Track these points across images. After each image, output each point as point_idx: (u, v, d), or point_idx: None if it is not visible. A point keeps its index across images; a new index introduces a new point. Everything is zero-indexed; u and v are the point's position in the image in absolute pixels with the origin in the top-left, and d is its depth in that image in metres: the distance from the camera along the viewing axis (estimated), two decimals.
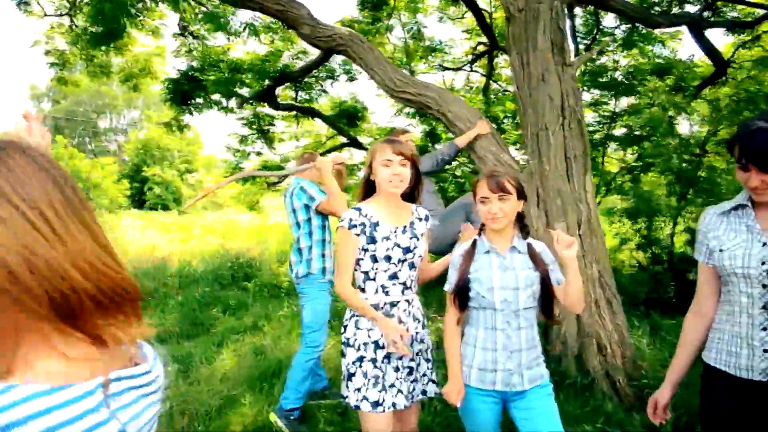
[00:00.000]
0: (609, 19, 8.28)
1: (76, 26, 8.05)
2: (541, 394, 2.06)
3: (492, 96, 8.89)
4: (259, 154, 9.27)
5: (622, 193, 6.24)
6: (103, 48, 7.30)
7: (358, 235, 2.24)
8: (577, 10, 7.69)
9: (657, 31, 7.30)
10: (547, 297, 2.07)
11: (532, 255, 2.10)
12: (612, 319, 3.72)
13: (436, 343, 4.72)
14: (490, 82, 9.14)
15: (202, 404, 3.70)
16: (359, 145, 8.63)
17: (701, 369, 1.91)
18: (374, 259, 2.24)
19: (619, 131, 7.72)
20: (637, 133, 6.77)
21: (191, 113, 8.54)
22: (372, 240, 2.24)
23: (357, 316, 2.28)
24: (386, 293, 2.27)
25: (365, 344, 2.24)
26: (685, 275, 4.98)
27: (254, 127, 8.80)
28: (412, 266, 2.31)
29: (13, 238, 0.62)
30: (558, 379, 3.50)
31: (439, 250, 4.22)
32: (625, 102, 8.01)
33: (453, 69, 9.58)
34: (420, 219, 2.40)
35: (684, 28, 6.64)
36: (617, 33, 7.42)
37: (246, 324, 5.71)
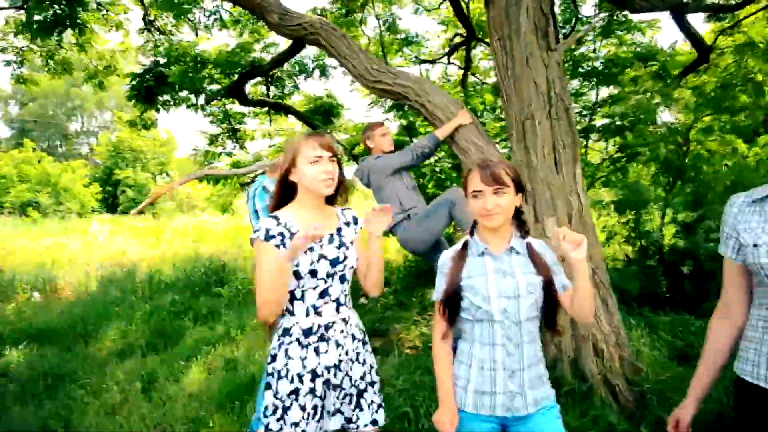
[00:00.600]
0: (587, 9, 8.11)
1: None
2: (548, 418, 1.79)
3: (470, 88, 8.64)
4: (230, 154, 8.88)
5: (608, 185, 6.04)
6: (55, 41, 6.84)
7: (277, 246, 1.91)
8: None
9: (636, 19, 7.12)
10: (550, 305, 1.79)
11: (533, 257, 1.82)
12: (608, 320, 3.48)
13: (424, 351, 4.48)
14: (468, 74, 8.90)
15: (166, 430, 3.36)
16: (335, 142, 8.32)
17: (727, 381, 1.66)
18: (298, 276, 1.93)
19: (599, 122, 7.54)
20: (618, 123, 6.58)
21: (158, 111, 8.14)
22: None
23: (287, 343, 1.95)
24: (318, 314, 1.97)
25: (300, 375, 1.92)
26: (678, 268, 4.77)
27: (224, 125, 8.42)
28: (343, 280, 2.03)
29: None
30: (554, 386, 3.25)
31: (421, 251, 3.94)
32: (605, 92, 7.84)
33: (429, 62, 9.31)
34: (348, 224, 2.12)
35: (662, 17, 6.47)
36: (596, 22, 7.20)
37: (218, 334, 5.37)
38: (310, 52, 8.49)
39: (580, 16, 7.91)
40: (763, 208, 1.57)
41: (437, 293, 1.87)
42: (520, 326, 1.76)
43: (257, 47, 7.53)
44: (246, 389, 3.90)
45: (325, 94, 8.60)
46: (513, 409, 1.75)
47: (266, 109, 8.32)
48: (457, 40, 8.86)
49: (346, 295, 2.05)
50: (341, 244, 2.03)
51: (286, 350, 1.95)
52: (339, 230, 2.07)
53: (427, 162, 7.14)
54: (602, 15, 7.17)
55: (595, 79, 7.01)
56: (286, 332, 1.97)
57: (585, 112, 7.22)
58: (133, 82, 7.47)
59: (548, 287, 1.77)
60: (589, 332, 3.43)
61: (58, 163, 32.28)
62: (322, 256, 1.96)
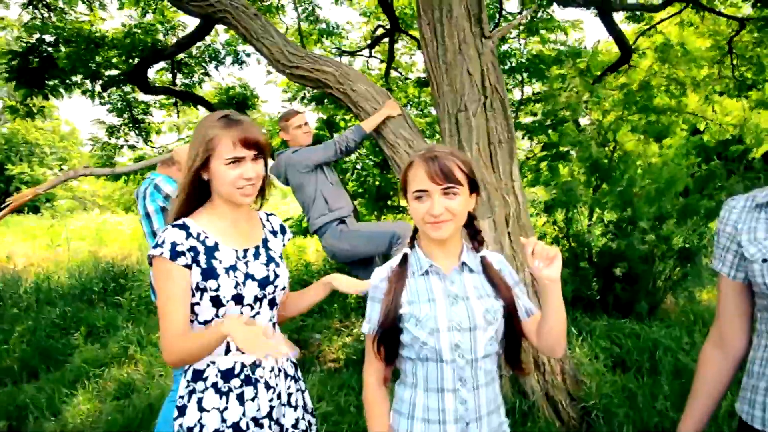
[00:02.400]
0: (511, 6, 8.01)
1: None
2: None
3: (393, 83, 8.31)
4: (132, 147, 8.04)
5: (535, 185, 5.89)
6: None
7: (188, 266, 1.46)
8: None
9: (560, 18, 7.09)
10: (513, 336, 1.43)
11: (491, 275, 1.45)
12: None
13: (348, 365, 4.04)
14: (391, 67, 8.57)
15: None
16: (261, 132, 7.71)
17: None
18: (217, 303, 1.48)
19: (523, 120, 7.44)
20: (544, 121, 6.48)
21: (46, 97, 7.19)
22: (210, 273, 1.48)
23: (199, 391, 1.50)
24: (242, 351, 1.48)
25: None
26: (610, 270, 4.64)
27: (125, 115, 7.58)
28: (273, 304, 1.61)
29: None
30: None
31: (351, 261, 3.53)
32: (528, 90, 7.76)
33: (350, 53, 8.90)
34: (274, 233, 1.71)
35: (585, 18, 6.45)
36: (528, 12, 7.08)
37: (112, 352, 4.69)
38: (222, 37, 7.86)
39: (504, 12, 7.80)
40: None
41: (369, 325, 1.45)
42: (475, 366, 1.38)
43: (162, 29, 6.79)
44: (141, 421, 3.33)
45: (238, 84, 7.97)
46: None
47: (173, 99, 7.57)
48: (380, 32, 8.51)
49: (274, 324, 1.64)
50: (269, 260, 1.61)
51: (199, 400, 1.49)
52: (265, 242, 1.65)
53: (347, 158, 6.73)
54: (530, 10, 7.06)
55: (520, 76, 6.89)
56: (198, 376, 1.51)
57: (510, 110, 7.09)
58: (12, 63, 6.50)
59: (510, 314, 1.40)
60: (529, 345, 3.15)
61: None
62: (248, 277, 1.53)
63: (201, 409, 1.49)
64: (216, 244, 1.53)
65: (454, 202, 1.35)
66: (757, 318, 1.34)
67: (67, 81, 7.03)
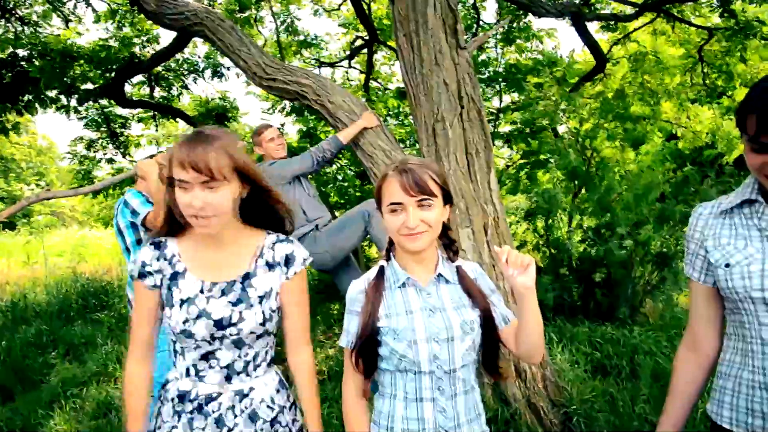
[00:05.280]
0: (488, 16, 8.10)
1: None
2: None
3: (373, 94, 8.35)
4: (111, 161, 7.96)
5: (515, 193, 5.95)
6: None
7: (154, 288, 1.44)
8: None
9: (535, 27, 7.19)
10: (490, 344, 1.44)
11: (467, 285, 1.45)
12: None
13: (331, 378, 4.00)
14: (370, 78, 8.61)
15: None
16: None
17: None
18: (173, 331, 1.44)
19: (502, 128, 7.52)
20: (522, 129, 6.55)
21: (20, 113, 7.10)
22: (167, 301, 1.44)
23: (161, 399, 1.52)
24: (200, 378, 1.46)
25: None
26: (590, 276, 4.69)
27: (102, 129, 7.52)
28: (240, 345, 1.45)
29: None
30: None
31: (329, 268, 3.52)
32: (507, 99, 7.85)
33: (330, 65, 8.94)
34: (271, 265, 1.50)
35: (559, 27, 6.57)
36: (503, 23, 7.18)
37: (91, 370, 4.60)
38: (201, 49, 7.84)
39: (481, 22, 7.90)
40: (733, 220, 1.31)
41: (347, 338, 1.45)
42: (453, 375, 1.38)
43: (139, 41, 6.76)
44: None
45: (217, 96, 7.95)
46: None
47: (152, 112, 7.52)
48: (359, 42, 8.57)
49: (247, 362, 1.47)
50: (239, 301, 1.43)
51: (159, 409, 1.51)
52: (247, 277, 1.47)
53: (328, 169, 6.73)
54: (506, 20, 7.16)
55: (498, 86, 6.97)
56: (165, 385, 1.52)
57: (489, 119, 7.16)
58: None
59: (487, 323, 1.41)
60: (508, 352, 3.17)
61: None
62: (202, 315, 1.41)
63: (160, 418, 1.49)
64: (184, 270, 1.45)
65: (430, 213, 1.36)
66: (726, 321, 1.37)
67: (42, 96, 6.96)
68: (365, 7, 7.40)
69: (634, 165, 6.05)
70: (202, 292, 1.43)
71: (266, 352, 1.52)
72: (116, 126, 7.65)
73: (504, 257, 1.28)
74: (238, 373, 1.46)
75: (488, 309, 1.43)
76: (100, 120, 7.33)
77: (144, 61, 6.19)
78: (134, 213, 2.68)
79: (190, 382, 1.46)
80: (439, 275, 1.44)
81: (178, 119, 7.85)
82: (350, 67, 9.00)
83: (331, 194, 6.52)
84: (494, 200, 3.42)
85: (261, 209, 1.51)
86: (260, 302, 1.45)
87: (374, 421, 1.45)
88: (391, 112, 7.68)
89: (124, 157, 7.76)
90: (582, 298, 4.72)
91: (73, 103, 7.13)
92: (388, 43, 8.03)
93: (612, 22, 6.72)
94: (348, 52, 8.80)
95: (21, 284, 8.68)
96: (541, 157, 5.89)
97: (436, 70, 3.47)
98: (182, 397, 1.45)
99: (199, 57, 7.34)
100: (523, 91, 6.31)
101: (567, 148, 4.91)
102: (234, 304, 1.43)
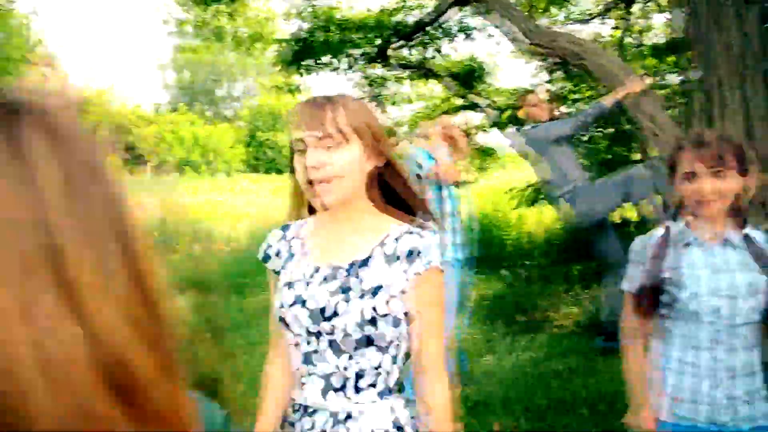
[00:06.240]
0: None
1: None
2: None
3: (627, 49, 7.88)
4: None
5: None
6: (213, 10, 7.25)
7: (276, 273, 1.32)
8: None
9: None
10: None
11: (754, 251, 1.55)
12: None
13: (573, 332, 4.18)
14: (625, 35, 8.10)
15: None
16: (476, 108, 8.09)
17: None
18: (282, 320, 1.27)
19: None
20: None
21: (302, 75, 8.40)
22: (276, 287, 1.31)
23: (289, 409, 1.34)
24: (301, 385, 1.26)
25: None
26: None
27: (364, 90, 8.49)
28: (338, 351, 1.21)
29: None
30: None
31: (582, 225, 3.71)
32: None
33: (581, 21, 8.61)
34: (392, 258, 1.22)
35: None
36: None
37: None
38: (453, 14, 8.23)
39: None
40: None
41: (631, 283, 1.65)
42: (733, 330, 1.51)
43: (402, 9, 7.44)
44: None
45: (468, 57, 8.34)
46: (718, 421, 1.52)
47: (407, 72, 8.23)
48: None
49: (362, 376, 1.21)
50: (347, 288, 1.20)
51: (284, 416, 1.33)
52: (362, 264, 1.22)
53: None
54: None
55: None
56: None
57: None
58: (280, 49, 7.73)
59: None
60: None
61: (208, 126, 35.03)
62: (298, 301, 1.22)
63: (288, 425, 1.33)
64: (296, 252, 1.30)
65: (723, 183, 1.48)
66: None
67: (318, 61, 8.12)
68: None
69: None
70: (304, 276, 1.25)
71: (378, 375, 1.22)
72: (377, 87, 8.56)
73: None
74: (338, 390, 1.21)
75: None
76: (367, 81, 8.30)
77: (407, 27, 6.82)
78: (418, 165, 3.17)
79: (295, 389, 1.29)
80: (726, 240, 1.56)
81: (429, 79, 8.46)
82: (603, 23, 8.56)
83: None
84: None
85: (393, 193, 1.30)
86: (369, 296, 1.18)
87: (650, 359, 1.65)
88: (648, 73, 7.21)
89: (382, 113, 8.67)
90: None
91: (343, 65, 8.18)
92: None
93: None
94: (601, 7, 8.37)
95: None
96: None
97: (714, 29, 3.28)
98: (293, 405, 1.28)
99: (454, 22, 7.71)
100: None
101: None
102: (338, 292, 1.20)
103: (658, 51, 7.24)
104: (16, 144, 0.33)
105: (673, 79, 7.34)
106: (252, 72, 51.41)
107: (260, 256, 1.36)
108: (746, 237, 1.57)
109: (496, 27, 4.29)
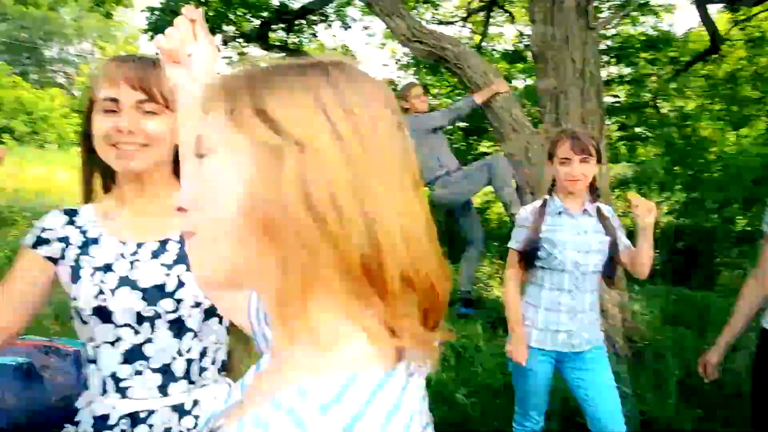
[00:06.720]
0: None
1: None
2: (598, 354, 2.13)
3: (483, 54, 8.78)
4: None
5: (614, 162, 6.39)
6: None
7: (54, 261, 1.11)
8: None
9: (653, 2, 7.32)
10: (612, 261, 2.11)
11: (602, 219, 2.13)
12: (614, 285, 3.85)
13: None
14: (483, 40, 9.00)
15: None
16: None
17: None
18: (81, 319, 1.08)
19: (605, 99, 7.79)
20: (623, 102, 6.87)
21: None
22: (74, 278, 1.09)
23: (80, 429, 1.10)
24: (121, 393, 1.07)
25: None
26: (674, 244, 5.17)
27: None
28: (182, 330, 1.08)
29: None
30: None
31: (450, 206, 4.27)
32: (614, 70, 8.08)
33: (444, 23, 9.37)
34: None
35: (679, 3, 6.69)
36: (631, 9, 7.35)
37: None
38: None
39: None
40: None
41: (516, 242, 2.16)
42: (585, 277, 2.07)
43: None
44: None
45: (339, 47, 8.67)
46: (572, 345, 2.08)
47: (283, 54, 8.36)
48: (476, 4, 8.91)
49: (189, 360, 1.10)
50: (179, 260, 1.10)
51: None
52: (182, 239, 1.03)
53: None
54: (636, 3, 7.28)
55: (609, 57, 7.25)
56: (80, 409, 1.11)
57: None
58: (149, 18, 7.39)
59: (613, 246, 2.08)
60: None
61: (35, 90, 31.27)
62: (125, 282, 1.07)
63: None
64: (100, 235, 1.12)
65: (587, 168, 2.04)
66: None
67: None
68: None
69: (733, 146, 6.31)
70: (123, 256, 1.09)
71: (217, 350, 1.15)
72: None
73: (635, 202, 1.94)
74: (180, 379, 1.09)
75: (615, 236, 2.10)
76: (240, 61, 8.23)
77: (290, 10, 6.98)
78: None
79: (108, 402, 1.06)
80: (585, 210, 2.12)
81: None
82: (464, 26, 9.38)
83: None
84: (603, 164, 3.98)
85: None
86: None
87: (526, 301, 2.18)
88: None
89: None
90: (663, 264, 5.22)
91: (218, 41, 8.07)
92: (505, 6, 8.37)
93: (735, 6, 6.78)
94: (464, 12, 9.17)
95: None
96: (638, 130, 6.26)
97: (565, 47, 3.99)
98: (99, 425, 1.06)
99: (331, 9, 7.99)
100: (634, 67, 6.59)
101: (669, 125, 5.30)
102: (170, 266, 1.09)
103: (508, 57, 8.22)
104: None
105: (519, 83, 8.37)
106: (90, 35, 46.64)
107: (29, 241, 1.11)
108: (597, 209, 2.15)
109: (386, 23, 4.62)
